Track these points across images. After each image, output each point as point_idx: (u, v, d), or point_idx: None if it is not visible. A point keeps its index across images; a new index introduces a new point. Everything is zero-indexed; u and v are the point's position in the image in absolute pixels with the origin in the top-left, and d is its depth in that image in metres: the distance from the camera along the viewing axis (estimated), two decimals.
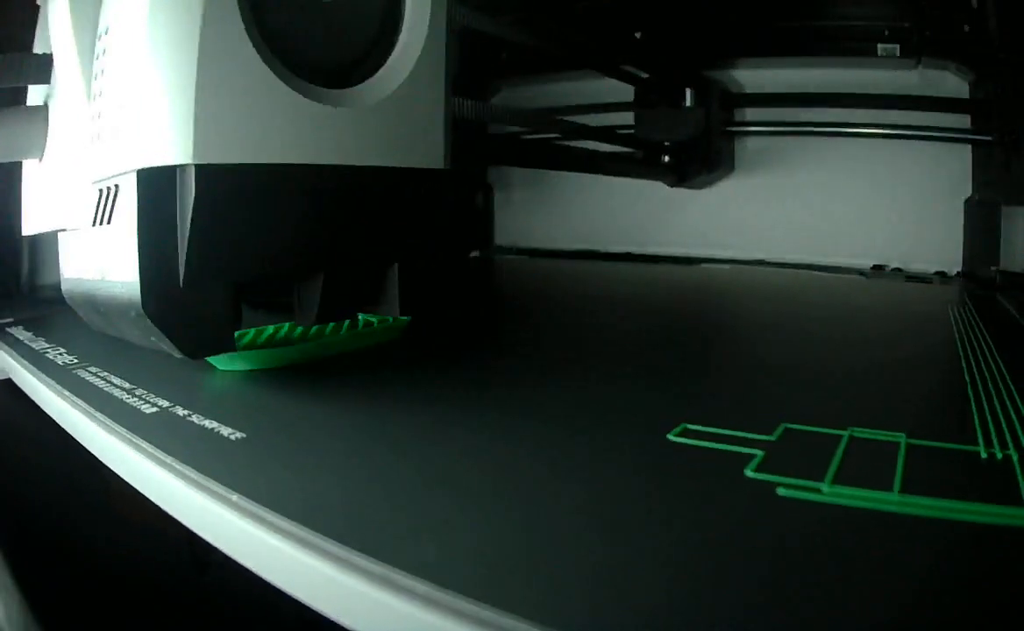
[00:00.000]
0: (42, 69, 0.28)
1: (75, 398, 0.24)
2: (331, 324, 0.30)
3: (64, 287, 0.27)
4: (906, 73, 0.59)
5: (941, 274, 0.58)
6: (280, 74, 0.22)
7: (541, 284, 0.61)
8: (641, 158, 0.65)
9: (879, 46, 0.58)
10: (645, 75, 0.64)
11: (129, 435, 0.20)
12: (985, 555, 0.13)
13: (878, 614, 0.12)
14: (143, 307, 0.21)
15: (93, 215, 0.23)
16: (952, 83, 0.58)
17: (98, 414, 0.22)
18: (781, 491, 0.16)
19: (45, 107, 0.28)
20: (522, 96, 0.75)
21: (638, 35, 0.63)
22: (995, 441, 0.19)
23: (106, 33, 0.23)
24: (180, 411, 0.22)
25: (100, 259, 0.23)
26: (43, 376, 0.27)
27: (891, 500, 0.15)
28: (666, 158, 0.64)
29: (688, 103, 0.62)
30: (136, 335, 0.24)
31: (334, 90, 0.24)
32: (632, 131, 0.65)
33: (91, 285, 0.24)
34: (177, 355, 0.23)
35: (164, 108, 0.20)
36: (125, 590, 0.33)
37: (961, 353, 0.29)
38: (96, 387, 0.25)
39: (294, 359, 0.28)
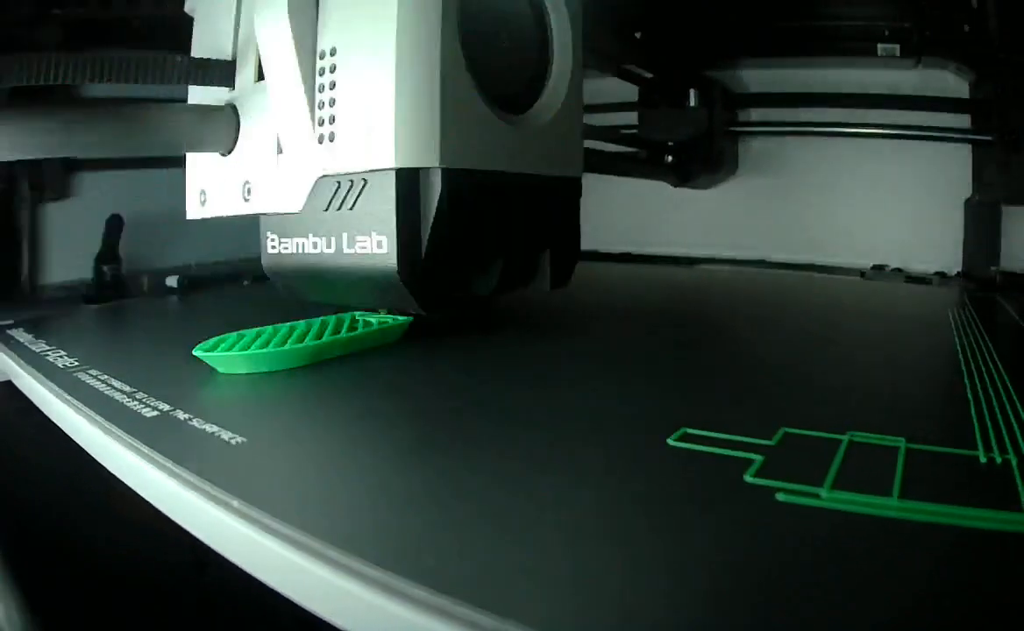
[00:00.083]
0: (227, 74, 0.34)
1: (75, 401, 0.24)
2: (330, 326, 0.30)
3: (270, 262, 0.33)
4: (906, 73, 0.59)
5: (941, 274, 0.58)
6: (486, 101, 0.30)
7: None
8: (644, 158, 0.65)
9: (879, 46, 0.58)
10: (648, 75, 0.64)
11: (130, 439, 0.20)
12: (984, 561, 0.13)
13: (877, 620, 0.12)
14: (398, 272, 0.28)
15: (328, 201, 0.30)
16: (952, 83, 0.58)
17: (98, 418, 0.22)
18: (780, 497, 0.16)
19: (233, 108, 0.34)
20: None
21: (638, 35, 0.63)
22: (994, 445, 0.19)
23: (331, 54, 0.29)
24: (181, 415, 0.22)
25: (339, 236, 0.29)
26: (43, 379, 0.27)
27: (890, 505, 0.15)
28: (669, 158, 0.64)
29: (691, 103, 0.62)
30: (371, 296, 0.31)
31: (518, 115, 0.32)
32: (635, 131, 0.65)
33: (321, 257, 0.30)
34: (419, 311, 0.30)
35: (420, 129, 0.28)
36: (125, 590, 0.33)
37: (961, 356, 0.29)
38: (96, 390, 0.25)
39: (295, 363, 0.28)
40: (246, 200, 0.33)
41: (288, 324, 0.30)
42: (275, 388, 0.25)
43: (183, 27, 0.38)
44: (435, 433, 0.21)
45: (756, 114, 0.66)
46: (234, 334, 0.29)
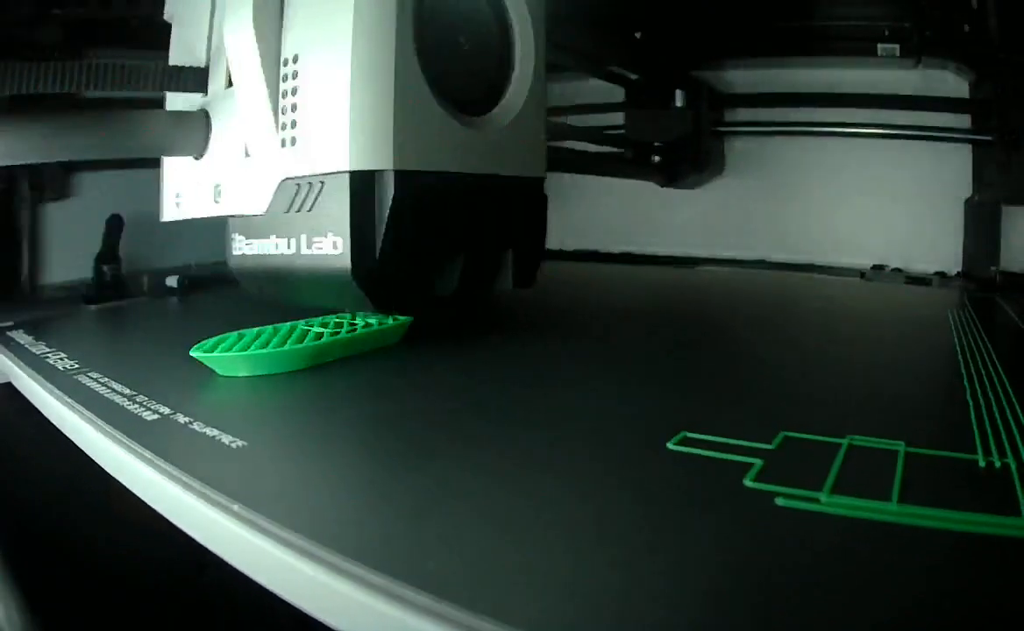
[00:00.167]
0: (200, 80, 0.34)
1: (75, 404, 0.24)
2: (330, 326, 0.30)
3: (235, 262, 0.34)
4: (906, 73, 0.59)
5: (941, 274, 0.58)
6: (442, 104, 0.30)
7: (540, 287, 0.60)
8: (631, 158, 0.65)
9: (879, 46, 0.58)
10: (634, 77, 0.65)
11: (130, 443, 0.20)
12: (982, 566, 0.13)
13: (875, 625, 0.12)
14: (352, 274, 0.28)
15: (289, 203, 0.30)
16: (952, 83, 0.58)
17: (99, 420, 0.22)
18: (780, 501, 0.16)
19: (205, 113, 0.34)
20: None
21: (638, 35, 0.63)
22: (993, 449, 0.19)
23: (294, 60, 0.30)
24: (181, 418, 0.22)
25: (298, 237, 0.30)
26: (44, 381, 0.27)
27: (889, 510, 0.15)
28: (656, 158, 0.65)
29: (678, 104, 0.62)
30: (326, 296, 0.31)
31: (475, 117, 0.32)
32: (622, 132, 0.65)
33: (282, 258, 0.31)
34: (373, 311, 0.31)
35: (372, 131, 0.28)
36: (125, 590, 0.33)
37: (960, 358, 0.29)
38: (97, 393, 0.25)
39: (296, 365, 0.28)
40: (216, 202, 0.34)
41: (288, 324, 0.30)
42: (275, 390, 0.25)
43: None
44: (435, 435, 0.21)
45: (756, 115, 0.66)
46: (234, 334, 0.29)
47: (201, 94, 0.35)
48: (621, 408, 0.24)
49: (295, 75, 0.30)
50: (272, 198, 0.31)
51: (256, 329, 0.29)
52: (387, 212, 0.29)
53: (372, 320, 0.32)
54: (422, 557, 0.14)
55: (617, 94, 0.67)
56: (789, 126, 0.64)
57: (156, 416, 0.22)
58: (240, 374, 0.27)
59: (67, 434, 0.24)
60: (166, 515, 0.18)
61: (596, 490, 0.17)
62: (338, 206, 0.28)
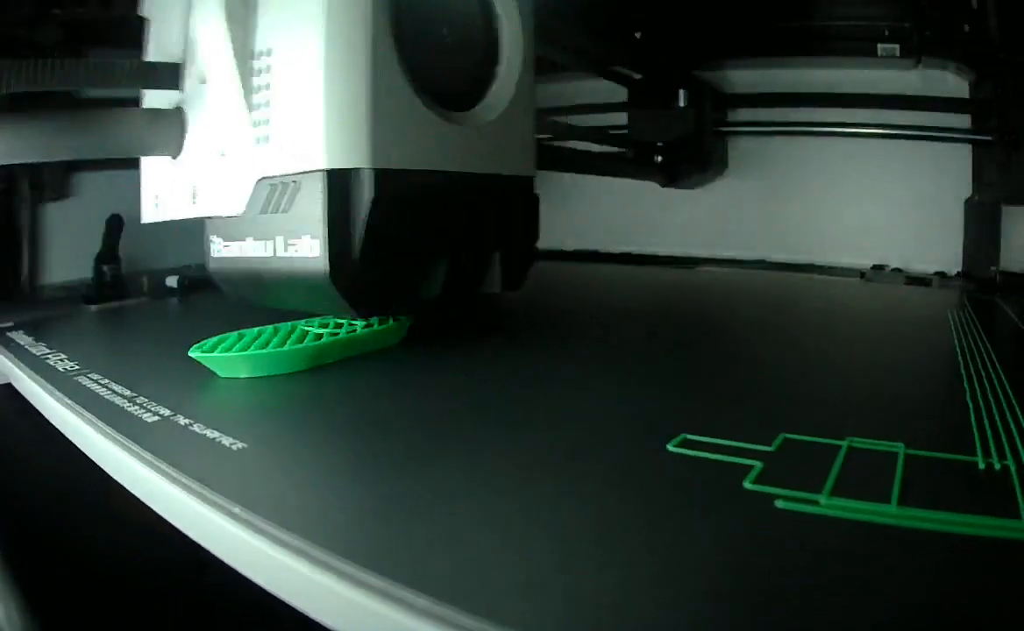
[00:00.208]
0: (172, 77, 0.33)
1: (76, 405, 0.24)
2: (330, 327, 0.30)
3: (214, 265, 0.32)
4: (906, 73, 0.59)
5: (941, 274, 0.58)
6: (422, 99, 0.29)
7: (539, 288, 0.61)
8: (633, 158, 0.65)
9: (879, 46, 0.58)
10: (637, 76, 0.65)
11: (131, 445, 0.20)
12: (981, 569, 0.13)
13: (874, 627, 0.12)
14: (328, 275, 0.27)
15: (265, 204, 0.29)
16: (952, 83, 0.58)
17: (99, 422, 0.22)
18: (779, 504, 0.16)
19: (180, 111, 0.33)
20: None
21: (638, 35, 0.63)
22: (993, 451, 0.19)
23: (268, 54, 0.29)
24: (181, 420, 0.22)
25: (274, 239, 0.29)
26: (44, 383, 0.27)
27: (889, 512, 0.15)
28: (658, 158, 0.64)
29: (680, 104, 0.62)
30: (305, 300, 0.30)
31: (458, 113, 0.31)
32: (624, 131, 0.65)
33: (259, 260, 0.29)
34: (352, 316, 0.30)
35: (348, 127, 0.27)
36: (125, 590, 0.33)
37: (960, 360, 0.29)
38: (97, 395, 0.25)
39: (296, 366, 0.28)
40: (194, 203, 0.33)
41: (288, 324, 0.30)
42: (276, 392, 0.25)
43: None
44: (434, 438, 0.21)
45: (756, 115, 0.66)
46: (234, 334, 0.29)
47: (178, 92, 0.33)
48: (621, 409, 0.24)
49: (268, 69, 0.29)
50: (249, 199, 0.30)
51: (256, 329, 0.29)
52: (365, 212, 0.27)
53: (372, 320, 0.32)
54: (422, 560, 0.14)
55: (619, 94, 0.67)
56: (789, 126, 0.64)
57: (157, 418, 0.22)
58: (240, 375, 0.27)
59: (68, 436, 0.24)
60: (167, 517, 0.18)
61: (596, 492, 0.17)
62: (314, 207, 0.27)
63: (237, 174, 0.30)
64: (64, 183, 0.55)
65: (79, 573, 0.33)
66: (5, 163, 0.29)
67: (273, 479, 0.18)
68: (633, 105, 0.65)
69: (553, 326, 0.42)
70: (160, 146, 0.33)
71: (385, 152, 0.28)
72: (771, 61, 0.64)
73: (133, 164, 0.39)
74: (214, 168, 0.31)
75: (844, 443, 0.19)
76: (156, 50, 0.35)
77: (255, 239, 0.30)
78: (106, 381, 0.26)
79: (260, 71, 0.29)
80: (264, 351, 0.27)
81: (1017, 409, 0.22)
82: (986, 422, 0.21)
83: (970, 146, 0.58)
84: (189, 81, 0.33)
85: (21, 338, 0.35)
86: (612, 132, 0.64)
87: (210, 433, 0.20)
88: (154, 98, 0.35)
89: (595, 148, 0.65)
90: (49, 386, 0.26)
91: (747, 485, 0.17)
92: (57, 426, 0.25)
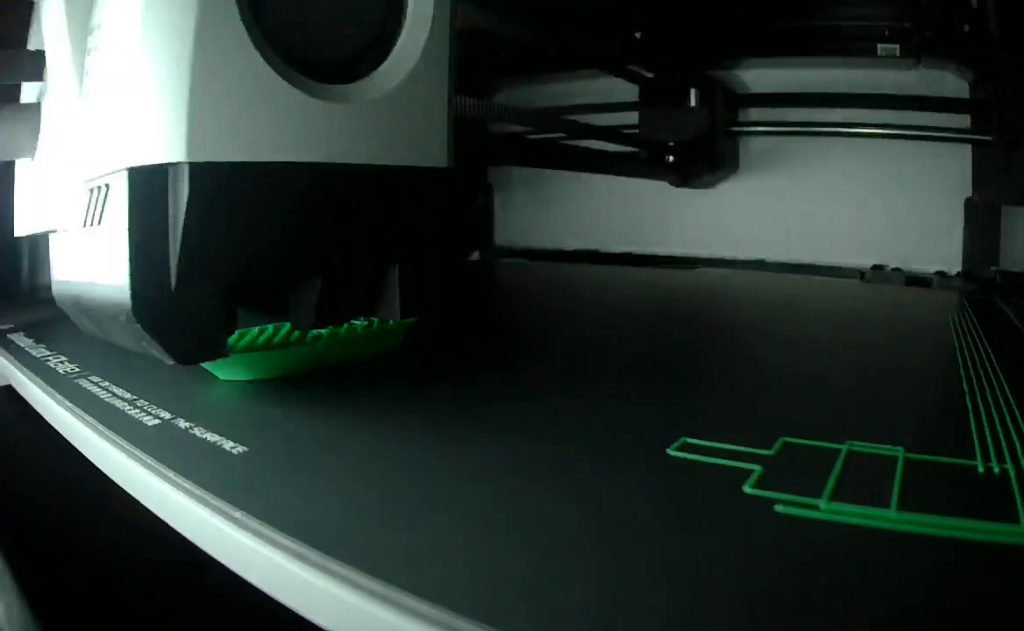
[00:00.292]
0: (35, 66, 0.27)
1: (76, 408, 0.24)
2: (330, 326, 0.30)
3: (54, 289, 0.26)
4: (906, 73, 0.59)
5: (941, 274, 0.58)
6: (277, 69, 0.21)
7: (540, 290, 0.61)
8: (645, 158, 0.65)
9: (879, 46, 0.58)
10: (649, 75, 0.64)
11: (131, 448, 0.20)
12: (979, 574, 0.13)
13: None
14: (133, 311, 0.20)
15: (84, 215, 0.22)
16: (952, 83, 0.58)
17: (100, 425, 0.22)
18: (779, 508, 0.16)
19: (38, 105, 0.27)
20: (524, 96, 0.75)
21: (638, 35, 0.63)
22: (992, 455, 0.19)
23: (99, 28, 0.22)
24: (182, 423, 0.22)
25: (90, 261, 0.22)
26: (44, 385, 0.27)
27: (888, 517, 0.15)
28: (670, 158, 0.64)
29: (693, 103, 0.62)
30: (126, 340, 0.23)
31: (333, 86, 0.23)
32: (636, 131, 0.65)
33: (80, 288, 0.23)
34: (168, 362, 0.22)
35: (157, 104, 0.20)
36: (125, 590, 0.33)
37: (960, 362, 0.29)
38: (97, 397, 0.25)
39: (297, 368, 0.28)
40: (47, 214, 0.27)
41: (287, 324, 0.30)
42: (277, 396, 0.25)
43: None
44: (434, 442, 0.21)
45: (757, 114, 0.66)
46: (235, 333, 0.28)
47: (40, 83, 0.28)
48: (620, 412, 0.24)
49: (97, 48, 0.22)
50: (79, 208, 0.23)
51: (256, 328, 0.29)
52: (181, 224, 0.20)
53: (372, 320, 0.32)
54: (422, 564, 0.14)
55: (631, 93, 0.67)
56: (789, 126, 0.64)
57: (157, 421, 0.22)
58: (241, 379, 0.27)
59: (67, 437, 0.24)
60: (168, 521, 0.18)
61: (596, 496, 0.17)
62: (120, 217, 0.20)
63: (71, 178, 0.24)
64: None
65: (79, 573, 0.33)
66: None
67: (274, 483, 0.18)
68: (645, 104, 0.65)
69: (552, 327, 0.42)
70: (14, 148, 0.28)
71: (211, 141, 0.20)
72: (772, 61, 0.64)
73: None
74: (55, 171, 0.26)
75: (844, 447, 0.19)
76: (36, 36, 0.29)
77: (78, 259, 0.24)
78: (106, 384, 0.26)
79: (91, 50, 0.23)
80: (266, 360, 0.27)
81: (1017, 413, 0.22)
82: (985, 425, 0.21)
83: (970, 146, 0.58)
84: (48, 70, 0.27)
85: (21, 340, 0.35)
86: (624, 131, 0.64)
87: (211, 437, 0.21)
88: (28, 93, 0.30)
89: (599, 146, 0.65)
90: (50, 389, 0.26)
91: (747, 489, 0.17)
92: (56, 428, 0.25)
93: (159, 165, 0.20)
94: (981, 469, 0.18)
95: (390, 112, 0.25)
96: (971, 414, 0.22)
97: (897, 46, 0.57)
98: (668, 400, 0.25)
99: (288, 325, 0.29)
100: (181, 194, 0.20)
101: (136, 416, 0.23)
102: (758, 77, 0.65)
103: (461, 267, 0.71)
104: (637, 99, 0.66)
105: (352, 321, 0.31)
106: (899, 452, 0.19)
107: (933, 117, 0.58)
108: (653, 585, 0.13)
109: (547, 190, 0.77)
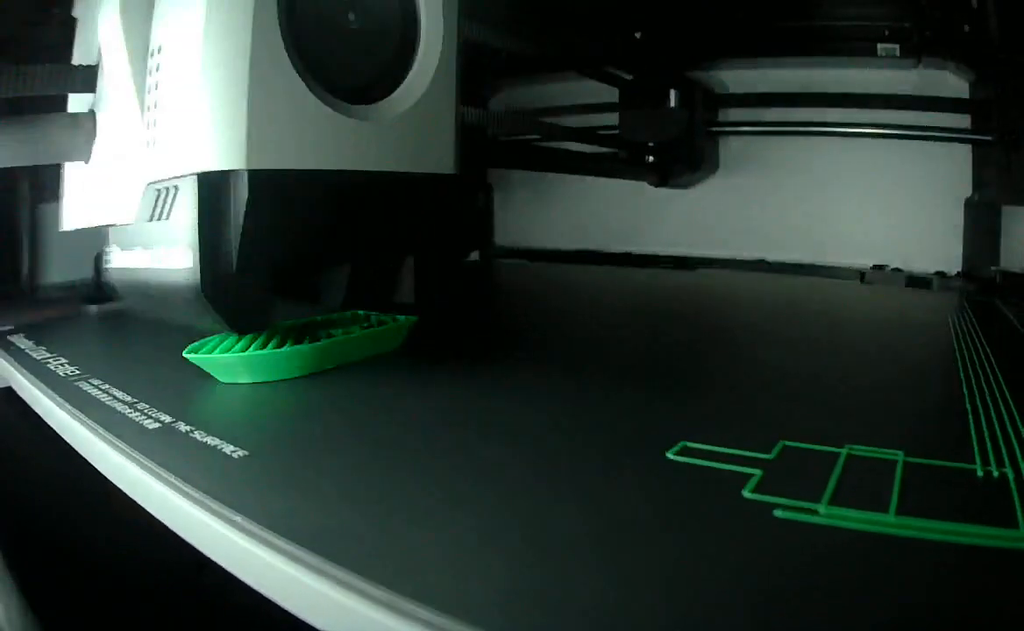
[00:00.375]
0: (88, 80, 0.31)
1: (76, 411, 0.24)
2: (330, 327, 0.30)
3: (112, 276, 0.30)
4: (906, 73, 0.59)
5: (941, 274, 0.58)
6: (315, 92, 0.26)
7: (539, 291, 0.61)
8: (625, 158, 0.65)
9: (879, 46, 0.58)
10: (629, 77, 0.65)
11: (132, 452, 0.20)
12: (977, 579, 0.14)
13: None
14: (201, 289, 0.25)
15: (151, 211, 0.27)
16: (952, 83, 0.58)
17: (100, 429, 0.22)
18: (778, 513, 0.16)
19: (92, 114, 0.31)
20: (511, 99, 0.75)
21: (637, 35, 0.63)
22: (991, 458, 0.19)
23: (159, 52, 0.27)
24: (183, 427, 0.22)
25: (157, 249, 0.27)
26: (44, 387, 0.27)
27: (887, 522, 0.15)
28: (650, 158, 0.65)
29: (672, 104, 0.62)
30: (186, 316, 0.27)
31: (361, 106, 0.28)
32: (615, 132, 0.65)
33: (143, 273, 0.27)
34: (225, 329, 0.27)
35: (221, 122, 0.24)
36: (125, 590, 0.33)
37: (960, 365, 0.29)
38: (98, 400, 0.25)
39: (298, 372, 0.28)
40: (100, 210, 0.31)
41: (288, 322, 0.30)
42: (277, 399, 0.25)
43: None
44: (433, 446, 0.21)
45: (756, 114, 0.66)
46: (233, 335, 0.28)
47: (93, 95, 0.32)
48: (620, 415, 0.24)
49: (159, 68, 0.27)
50: (140, 206, 0.28)
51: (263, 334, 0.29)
52: (240, 219, 0.25)
53: (372, 320, 0.32)
54: (421, 568, 0.14)
55: (611, 94, 0.67)
56: (789, 126, 0.64)
57: (158, 425, 0.22)
58: (242, 382, 0.27)
59: (67, 440, 0.24)
60: (168, 525, 0.18)
61: (596, 500, 0.17)
62: (189, 214, 0.25)
63: (130, 179, 0.28)
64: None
65: (79, 573, 0.33)
66: None
67: (274, 487, 0.18)
68: (624, 106, 0.65)
69: (551, 329, 0.42)
70: (70, 152, 0.32)
71: (265, 151, 0.25)
72: (772, 61, 0.64)
73: None
74: (113, 173, 0.30)
75: (843, 451, 0.19)
76: (81, 52, 0.34)
77: (143, 249, 0.28)
78: (107, 386, 0.26)
79: (151, 70, 0.27)
80: (267, 363, 0.27)
81: (1016, 416, 0.22)
82: (984, 429, 0.21)
83: (970, 146, 0.58)
84: (100, 83, 0.31)
85: (21, 342, 0.35)
86: (602, 132, 0.65)
87: (211, 440, 0.21)
88: (76, 102, 0.34)
89: (581, 148, 0.65)
90: (50, 392, 0.26)
91: (746, 494, 0.17)
92: (57, 430, 0.25)
93: (222, 171, 0.25)
94: (980, 473, 0.18)
95: (408, 127, 0.30)
96: (970, 417, 0.22)
97: (897, 46, 0.57)
98: (668, 402, 0.25)
99: (288, 326, 0.30)
100: (241, 195, 0.25)
101: (136, 419, 0.23)
102: (759, 77, 0.65)
103: (461, 267, 0.71)
104: (617, 101, 0.67)
105: (352, 325, 0.32)
106: (899, 456, 0.19)
107: (933, 117, 0.58)
108: (653, 591, 0.13)
109: (547, 190, 0.77)
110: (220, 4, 0.24)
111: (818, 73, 0.62)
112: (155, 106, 0.27)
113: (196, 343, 0.28)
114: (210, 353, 0.27)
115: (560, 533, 0.15)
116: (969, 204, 0.58)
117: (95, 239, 0.52)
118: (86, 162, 0.32)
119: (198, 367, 0.27)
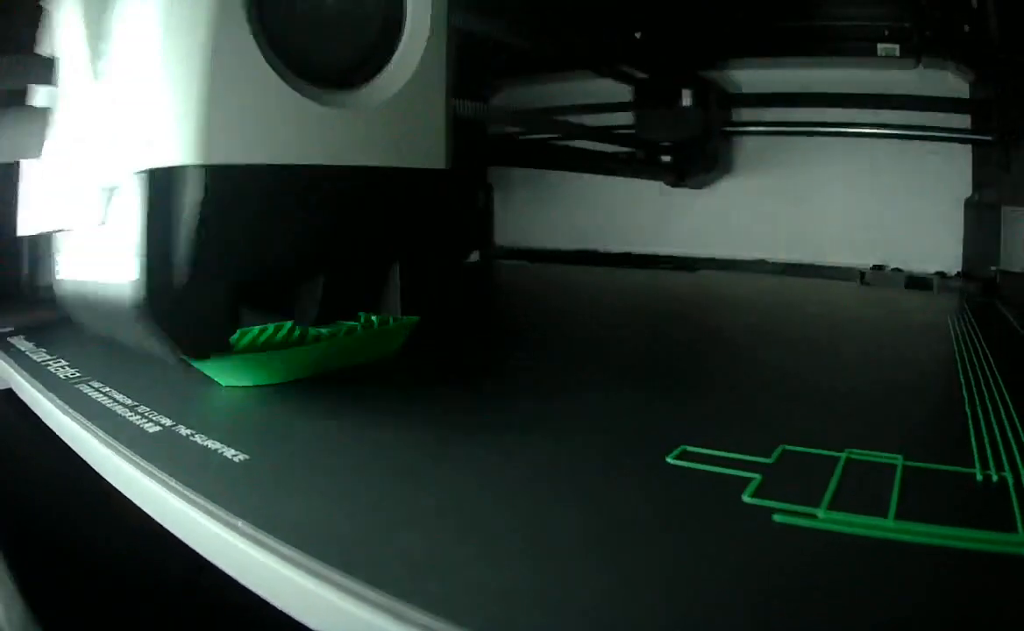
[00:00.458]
0: (47, 70, 0.28)
1: (76, 414, 0.24)
2: (329, 327, 0.30)
3: (57, 289, 0.27)
4: (906, 73, 0.59)
5: (941, 274, 0.58)
6: (284, 77, 0.23)
7: (540, 291, 0.61)
8: (641, 158, 0.65)
9: (879, 46, 0.58)
10: (642, 76, 0.65)
11: (132, 455, 0.20)
12: (975, 584, 0.14)
13: None
14: (146, 306, 0.22)
15: (99, 216, 0.24)
16: (952, 83, 0.58)
17: (100, 432, 0.22)
18: (777, 517, 0.16)
19: (47, 109, 0.28)
20: (522, 97, 0.75)
21: (638, 35, 0.63)
22: (991, 462, 0.19)
23: (113, 35, 0.23)
24: (183, 430, 0.22)
25: (100, 259, 0.23)
26: (44, 389, 0.27)
27: (886, 526, 0.15)
28: (666, 158, 0.65)
29: (687, 103, 0.62)
30: (132, 337, 0.24)
31: (337, 92, 0.25)
32: (631, 131, 0.65)
33: (88, 286, 0.24)
34: (170, 360, 0.23)
35: (173, 110, 0.21)
36: (125, 590, 0.33)
37: (959, 367, 0.29)
38: (98, 403, 0.25)
39: (299, 374, 0.28)
40: (54, 214, 0.28)
41: (288, 323, 0.30)
42: (280, 402, 0.25)
43: None
44: (433, 449, 0.21)
45: (756, 114, 0.66)
46: (235, 333, 0.28)
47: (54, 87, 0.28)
48: (619, 419, 0.24)
49: (113, 53, 0.23)
50: (88, 209, 0.24)
51: (257, 328, 0.29)
52: (194, 221, 0.22)
53: (373, 318, 0.32)
54: (420, 571, 0.14)
55: (610, 94, 0.67)
56: (789, 126, 0.64)
57: (158, 428, 0.22)
58: (243, 384, 0.27)
59: (67, 442, 0.24)
60: (168, 528, 0.18)
61: (594, 503, 0.17)
62: (135, 218, 0.22)
63: (86, 179, 0.25)
64: None
65: (79, 574, 0.33)
66: None
67: (275, 492, 0.18)
68: (639, 105, 0.65)
69: (552, 329, 0.42)
70: (22, 149, 0.29)
71: (223, 144, 0.22)
72: (771, 61, 0.64)
73: None
74: (67, 173, 0.27)
75: (843, 455, 0.19)
76: (47, 42, 0.30)
77: (88, 258, 0.25)
78: (107, 389, 0.26)
79: (105, 56, 0.24)
80: (269, 366, 0.27)
81: (1016, 419, 0.22)
82: (984, 432, 0.21)
83: (970, 146, 0.58)
84: (60, 76, 0.28)
85: (21, 344, 0.35)
86: (618, 132, 0.64)
87: (212, 444, 0.21)
88: (40, 97, 0.30)
89: (597, 147, 0.65)
90: (50, 394, 0.26)
91: (746, 498, 0.17)
92: (57, 432, 0.25)
93: (174, 167, 0.21)
94: (980, 477, 0.18)
95: (390, 116, 0.26)
96: (970, 421, 0.22)
97: (897, 46, 0.57)
98: (668, 405, 0.26)
99: (289, 325, 0.29)
100: (194, 195, 0.22)
101: (137, 422, 0.23)
102: (758, 77, 0.65)
103: (461, 268, 0.71)
104: (618, 101, 0.67)
105: (354, 324, 0.31)
106: (898, 460, 0.19)
107: (933, 117, 0.58)
108: (652, 596, 0.13)
109: (547, 190, 0.77)
110: None
111: (816, 73, 0.62)
112: (111, 99, 0.23)
113: None
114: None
115: (553, 539, 0.15)
116: (969, 204, 0.58)
117: None
118: (36, 158, 0.29)
119: (199, 370, 0.27)
